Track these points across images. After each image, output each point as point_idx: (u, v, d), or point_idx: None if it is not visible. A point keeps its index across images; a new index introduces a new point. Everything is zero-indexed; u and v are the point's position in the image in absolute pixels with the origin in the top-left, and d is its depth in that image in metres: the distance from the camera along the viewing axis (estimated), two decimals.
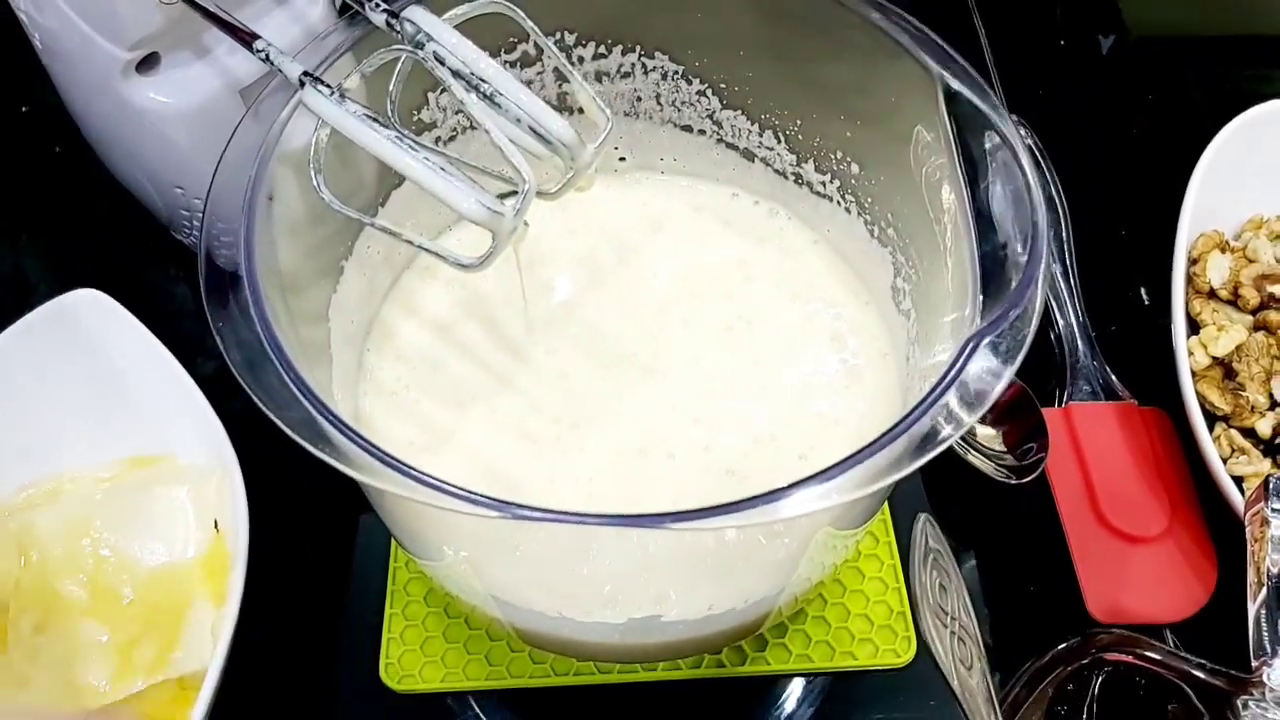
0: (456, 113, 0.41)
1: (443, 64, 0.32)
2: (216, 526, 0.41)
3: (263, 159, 0.33)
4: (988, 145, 0.33)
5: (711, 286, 0.44)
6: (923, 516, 0.29)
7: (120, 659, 0.38)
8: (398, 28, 0.33)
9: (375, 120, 0.31)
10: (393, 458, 0.27)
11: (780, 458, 0.39)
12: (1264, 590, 0.32)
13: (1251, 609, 0.32)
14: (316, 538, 0.45)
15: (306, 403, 0.28)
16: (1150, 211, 0.49)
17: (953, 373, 0.29)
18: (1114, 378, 0.47)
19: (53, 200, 0.54)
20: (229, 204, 0.34)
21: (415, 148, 0.30)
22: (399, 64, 0.34)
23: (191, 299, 0.50)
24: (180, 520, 0.41)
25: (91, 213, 0.52)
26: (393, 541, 0.43)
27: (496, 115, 0.32)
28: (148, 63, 0.39)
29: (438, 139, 0.41)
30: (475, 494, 0.26)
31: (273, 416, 0.28)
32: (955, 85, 0.34)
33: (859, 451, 0.28)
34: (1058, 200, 0.53)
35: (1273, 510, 0.33)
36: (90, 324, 0.42)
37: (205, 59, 0.40)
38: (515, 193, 0.32)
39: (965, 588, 0.30)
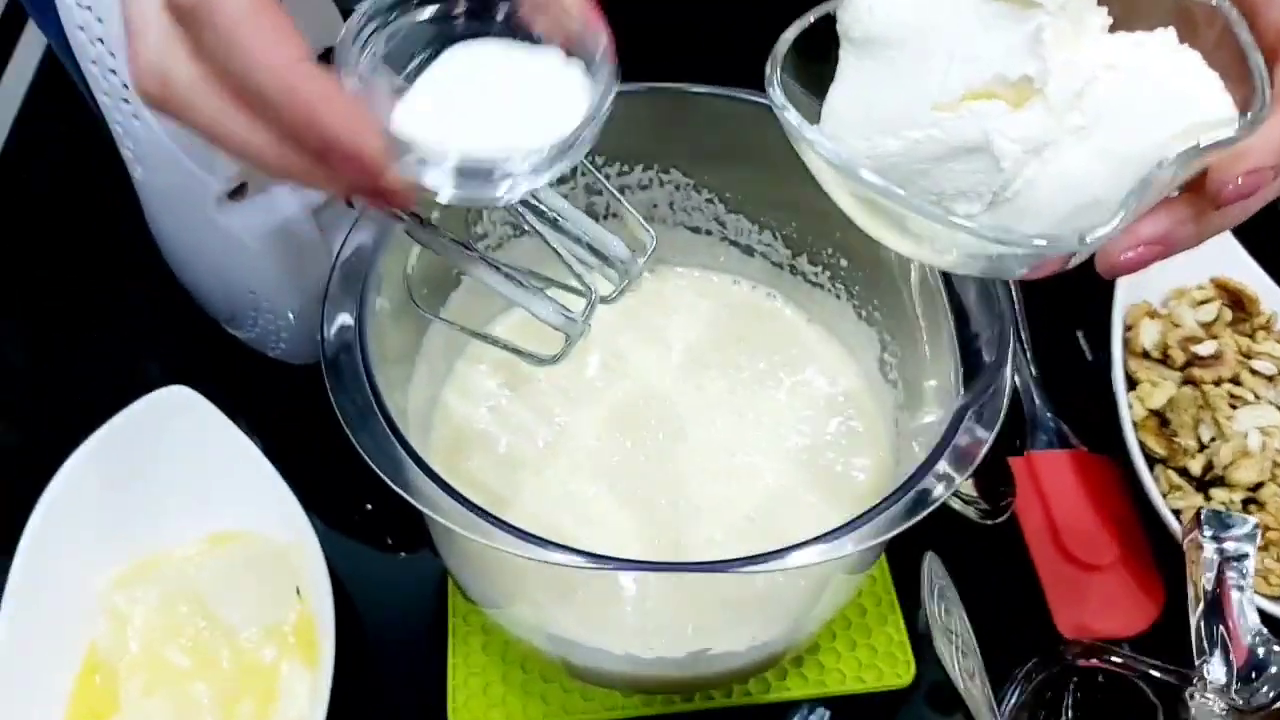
0: (504, 223, 0.47)
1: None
2: (299, 594, 0.46)
3: (374, 266, 0.39)
4: None
5: (721, 360, 0.50)
6: (929, 554, 0.35)
7: (224, 714, 0.43)
8: None
9: (461, 244, 0.38)
10: (486, 511, 0.33)
11: (793, 507, 0.45)
12: (1201, 603, 0.39)
13: (1193, 619, 0.39)
14: (382, 600, 0.50)
15: (411, 462, 0.34)
16: (1089, 283, 0.57)
17: (944, 439, 0.36)
18: (1066, 428, 0.54)
19: (126, 310, 0.59)
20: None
21: (498, 266, 0.37)
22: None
23: (257, 390, 0.56)
24: (267, 591, 0.46)
25: (158, 315, 0.57)
26: (450, 595, 0.49)
27: (560, 235, 0.39)
28: (237, 191, 0.45)
29: (487, 246, 0.48)
30: (564, 545, 0.32)
31: (378, 470, 0.33)
32: None
33: (869, 511, 0.34)
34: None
35: (1204, 536, 0.40)
36: (178, 417, 0.47)
37: (283, 186, 0.47)
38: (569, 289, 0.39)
39: (965, 611, 0.36)
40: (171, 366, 0.54)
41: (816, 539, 0.33)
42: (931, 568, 0.35)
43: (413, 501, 0.33)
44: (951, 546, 0.50)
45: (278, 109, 0.27)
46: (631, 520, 0.45)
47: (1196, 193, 0.30)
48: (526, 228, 0.39)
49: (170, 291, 0.54)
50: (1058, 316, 0.60)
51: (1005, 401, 0.36)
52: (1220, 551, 0.40)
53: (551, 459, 0.46)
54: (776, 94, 0.30)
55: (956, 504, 0.50)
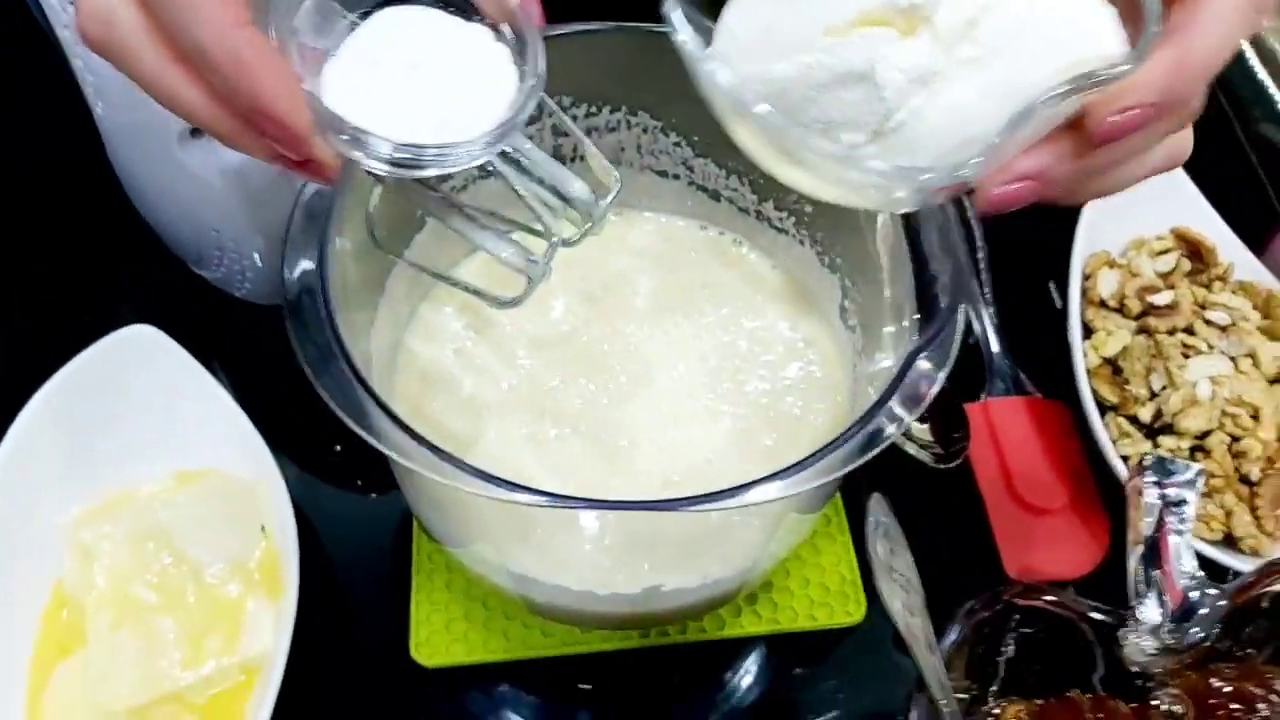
0: None
1: None
2: (264, 531, 0.47)
3: (336, 207, 0.39)
4: None
5: (685, 305, 0.51)
6: (875, 495, 0.36)
7: (191, 648, 0.44)
8: None
9: (424, 184, 0.38)
10: (447, 453, 0.34)
11: (750, 449, 0.46)
12: (1139, 546, 0.41)
13: (1131, 562, 0.41)
14: (347, 538, 0.51)
15: (371, 402, 0.34)
16: (1053, 231, 0.58)
17: (896, 380, 0.36)
18: (1023, 375, 0.55)
19: (89, 248, 0.59)
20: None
21: (460, 207, 0.37)
22: None
23: (224, 330, 0.56)
24: (232, 528, 0.47)
25: (123, 254, 0.57)
26: (414, 535, 0.49)
27: (523, 177, 0.39)
28: (199, 130, 0.45)
29: (453, 187, 0.47)
30: (524, 486, 0.33)
31: (340, 413, 0.34)
32: None
33: (821, 449, 0.35)
34: (972, 219, 0.61)
35: (1146, 482, 0.41)
36: (142, 356, 0.48)
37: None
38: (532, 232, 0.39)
39: (909, 550, 0.37)
40: (138, 306, 0.54)
41: (766, 478, 0.34)
42: (878, 505, 0.36)
43: (375, 444, 0.34)
44: (907, 489, 0.51)
45: (214, 68, 0.28)
46: (592, 462, 0.45)
47: (1079, 130, 0.29)
48: (490, 168, 0.39)
49: (136, 230, 0.53)
50: (1029, 266, 0.61)
51: (957, 343, 0.36)
52: (1162, 497, 0.41)
53: (515, 401, 0.47)
54: (676, 16, 0.29)
55: (912, 448, 0.51)
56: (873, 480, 0.46)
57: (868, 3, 0.27)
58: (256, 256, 0.52)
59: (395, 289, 0.47)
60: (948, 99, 0.28)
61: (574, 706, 0.49)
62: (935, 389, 0.36)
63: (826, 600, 0.49)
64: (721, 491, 0.34)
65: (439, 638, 0.47)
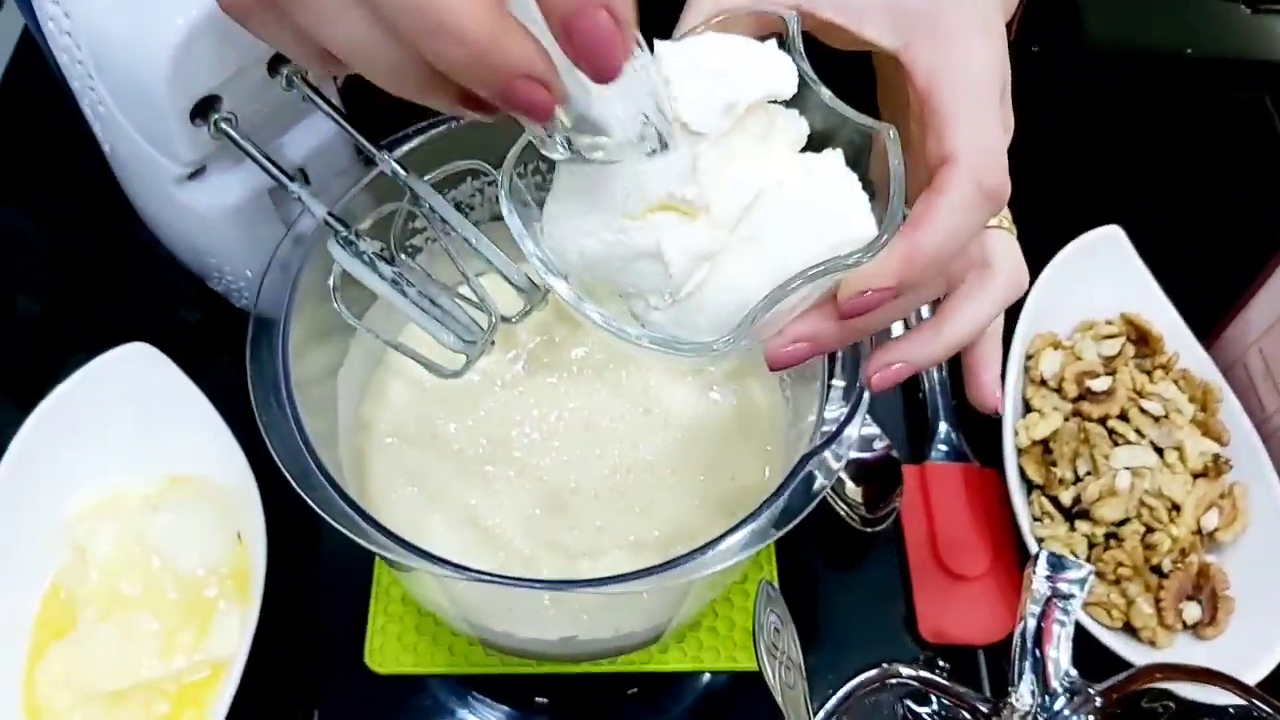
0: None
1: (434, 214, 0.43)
2: (240, 538, 0.52)
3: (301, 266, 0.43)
4: None
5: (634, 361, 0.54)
6: (762, 581, 0.40)
7: (165, 643, 0.49)
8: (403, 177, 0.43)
9: (381, 256, 0.41)
10: (393, 534, 0.38)
11: (684, 502, 0.50)
12: (1024, 634, 0.44)
13: (1014, 647, 0.44)
14: (317, 550, 0.56)
15: (330, 488, 0.39)
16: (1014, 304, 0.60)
17: (783, 487, 0.39)
18: (964, 443, 0.58)
19: (108, 264, 0.64)
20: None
21: (408, 287, 0.41)
22: (400, 212, 0.44)
23: (221, 339, 0.60)
24: (212, 533, 0.52)
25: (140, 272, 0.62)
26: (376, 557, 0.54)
27: (471, 259, 0.42)
28: (197, 173, 0.49)
29: (428, 238, 0.51)
30: (458, 565, 0.37)
31: (273, 453, 0.39)
32: None
33: (739, 523, 0.38)
34: None
35: (1038, 574, 0.44)
36: (141, 370, 0.52)
37: (242, 166, 0.50)
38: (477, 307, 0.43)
39: (795, 630, 0.41)
40: (143, 315, 0.59)
41: (667, 564, 0.37)
42: (765, 590, 0.40)
43: (292, 483, 0.38)
44: (838, 542, 0.55)
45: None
46: (531, 502, 0.49)
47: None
48: (446, 250, 0.42)
49: (147, 243, 0.58)
50: None
51: (837, 472, 0.39)
52: (1052, 589, 0.44)
53: (470, 440, 0.51)
54: (505, 202, 0.34)
55: (841, 509, 0.54)
56: (809, 534, 0.49)
57: (653, 196, 0.31)
58: (250, 275, 0.56)
59: (374, 321, 0.50)
60: (728, 273, 0.32)
61: (524, 714, 0.53)
62: (814, 503, 0.39)
63: (749, 643, 0.53)
64: (620, 576, 0.37)
65: (391, 647, 0.52)
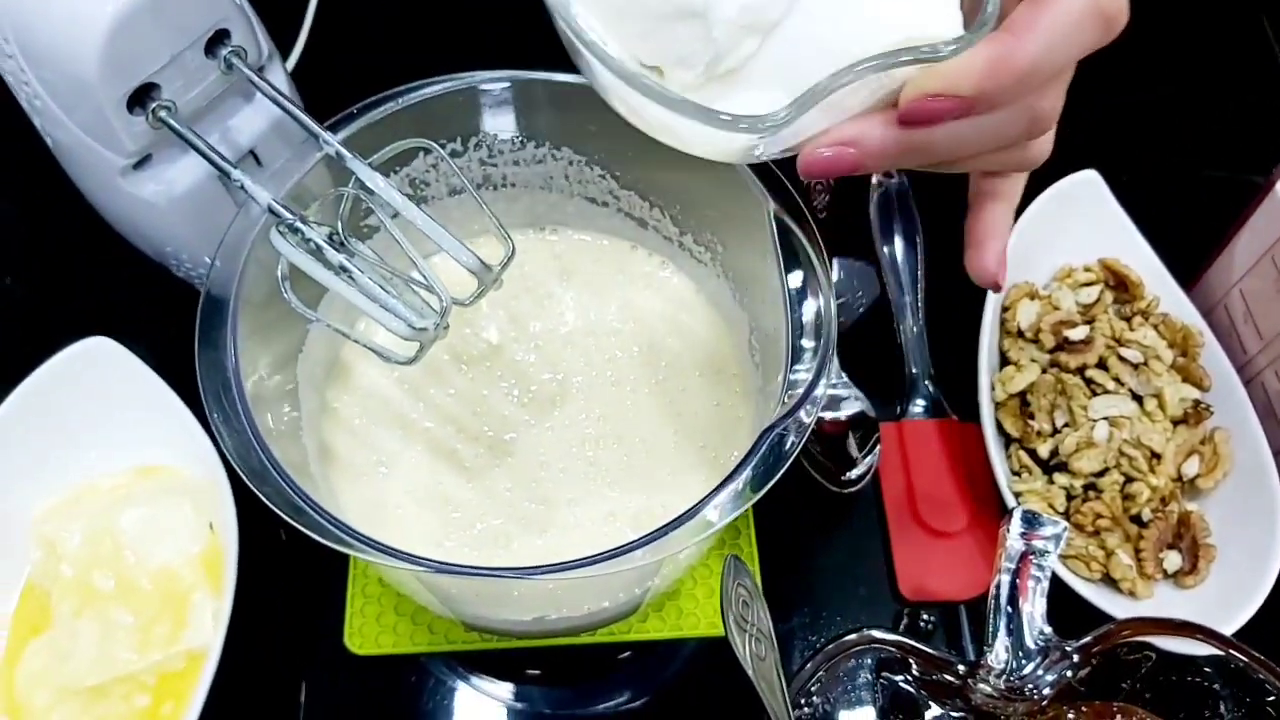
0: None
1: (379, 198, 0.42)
2: (212, 528, 0.51)
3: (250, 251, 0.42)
4: (800, 257, 0.43)
5: (609, 327, 0.53)
6: (729, 556, 0.39)
7: (142, 636, 0.49)
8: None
9: (330, 242, 0.40)
10: (346, 527, 0.37)
11: (656, 471, 0.49)
12: (998, 591, 0.43)
13: (989, 604, 0.44)
14: (290, 535, 0.55)
15: (284, 483, 0.38)
16: None
17: (752, 452, 0.39)
18: (943, 398, 0.57)
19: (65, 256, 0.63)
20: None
21: (355, 276, 0.40)
22: (347, 196, 0.43)
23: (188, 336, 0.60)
24: (183, 524, 0.51)
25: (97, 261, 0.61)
26: None
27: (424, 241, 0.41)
28: (142, 162, 0.48)
29: (394, 214, 0.50)
30: (409, 555, 0.37)
31: (225, 447, 0.38)
32: (774, 206, 0.43)
33: (713, 491, 0.38)
34: (917, 234, 0.62)
35: (1013, 531, 0.44)
36: (102, 364, 0.52)
37: (189, 153, 0.49)
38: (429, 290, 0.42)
39: (765, 602, 0.41)
40: (108, 305, 0.58)
41: (636, 542, 0.37)
42: (733, 565, 0.39)
43: (242, 475, 0.38)
44: (817, 511, 0.54)
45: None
46: (506, 479, 0.48)
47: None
48: (393, 236, 0.41)
49: (110, 231, 0.57)
50: (967, 287, 0.62)
51: (812, 421, 0.39)
52: (1027, 546, 0.44)
53: (442, 418, 0.50)
54: None
55: (818, 474, 0.54)
56: (786, 497, 0.49)
57: None
58: (209, 261, 0.55)
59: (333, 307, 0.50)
60: (780, 53, 0.28)
61: (517, 685, 0.53)
62: (785, 466, 0.38)
63: None
64: (590, 558, 0.37)
65: (370, 628, 0.52)
